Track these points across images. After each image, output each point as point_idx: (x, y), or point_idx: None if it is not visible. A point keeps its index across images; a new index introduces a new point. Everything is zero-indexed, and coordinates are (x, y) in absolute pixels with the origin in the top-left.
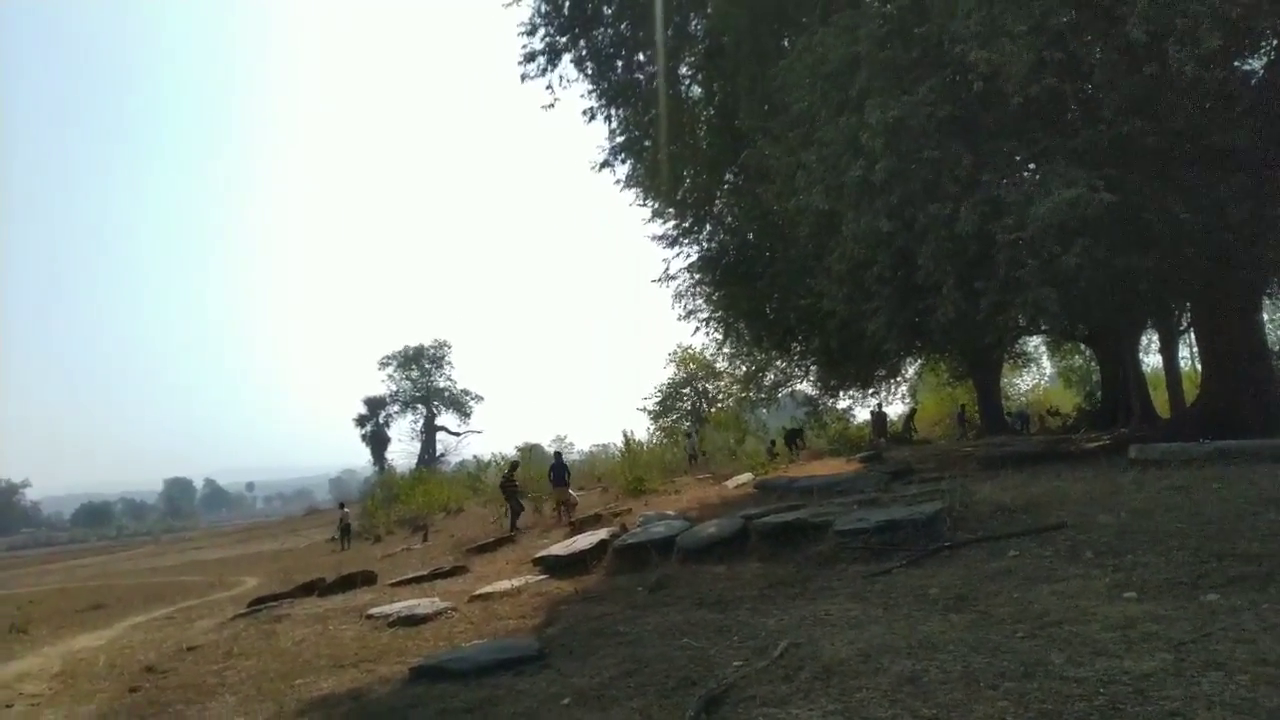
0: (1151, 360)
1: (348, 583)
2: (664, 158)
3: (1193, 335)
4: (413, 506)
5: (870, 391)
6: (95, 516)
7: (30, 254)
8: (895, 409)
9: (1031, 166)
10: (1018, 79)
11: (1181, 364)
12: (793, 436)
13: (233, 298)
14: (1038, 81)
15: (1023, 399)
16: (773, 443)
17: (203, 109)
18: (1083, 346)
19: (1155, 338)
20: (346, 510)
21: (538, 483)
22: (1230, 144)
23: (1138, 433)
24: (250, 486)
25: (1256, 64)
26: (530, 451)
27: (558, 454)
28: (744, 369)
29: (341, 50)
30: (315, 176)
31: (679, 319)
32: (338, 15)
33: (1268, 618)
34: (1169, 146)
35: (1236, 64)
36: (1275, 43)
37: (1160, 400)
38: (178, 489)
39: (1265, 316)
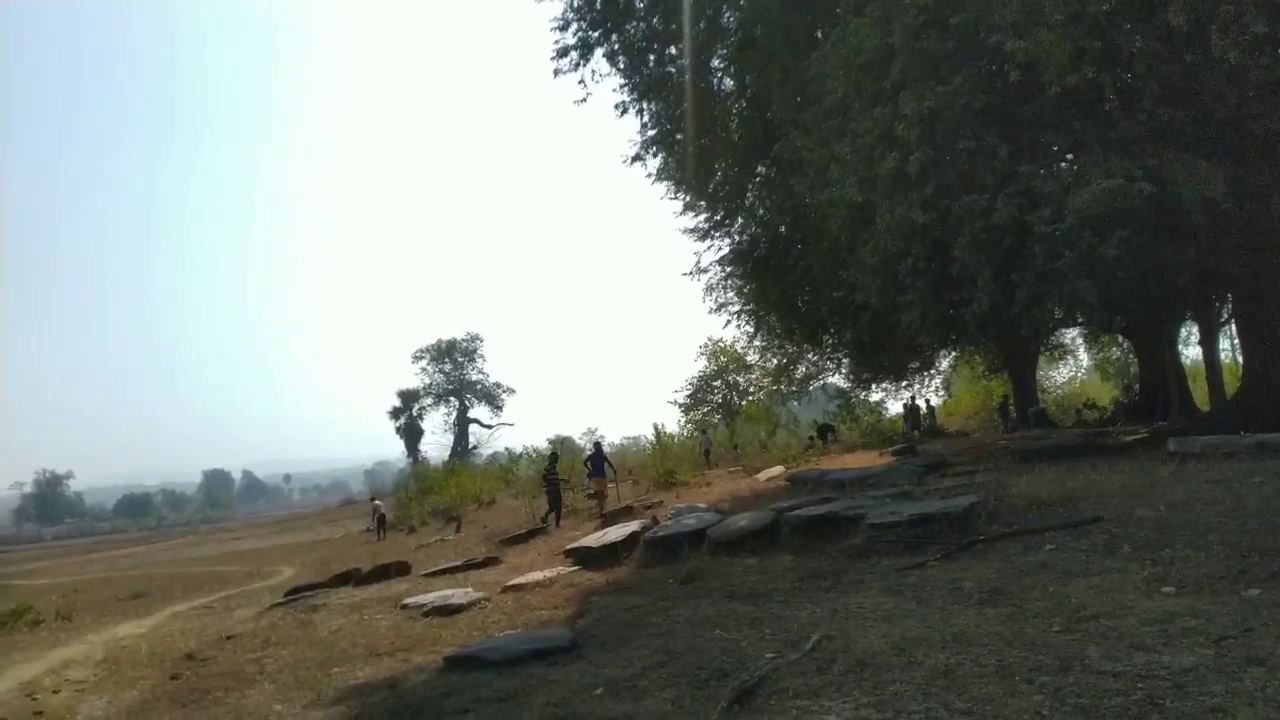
0: (1191, 352)
1: (383, 573)
2: (695, 151)
3: (1233, 327)
4: (446, 498)
5: (903, 384)
6: (136, 507)
7: (72, 254)
8: (931, 401)
9: (1069, 157)
10: (1055, 69)
11: (1222, 356)
12: (825, 431)
13: (270, 292)
14: (1076, 71)
15: (1043, 397)
16: (811, 437)
17: (237, 101)
18: (1120, 339)
19: (1195, 329)
20: (379, 503)
21: (576, 473)
22: (1274, 132)
23: (1176, 426)
24: (287, 478)
25: None
26: (562, 444)
27: (597, 444)
28: (775, 362)
29: (377, 44)
30: (351, 171)
31: (710, 312)
32: (373, 8)
33: None
34: (1210, 135)
35: None
36: None
37: (1200, 393)
38: (216, 480)
39: None
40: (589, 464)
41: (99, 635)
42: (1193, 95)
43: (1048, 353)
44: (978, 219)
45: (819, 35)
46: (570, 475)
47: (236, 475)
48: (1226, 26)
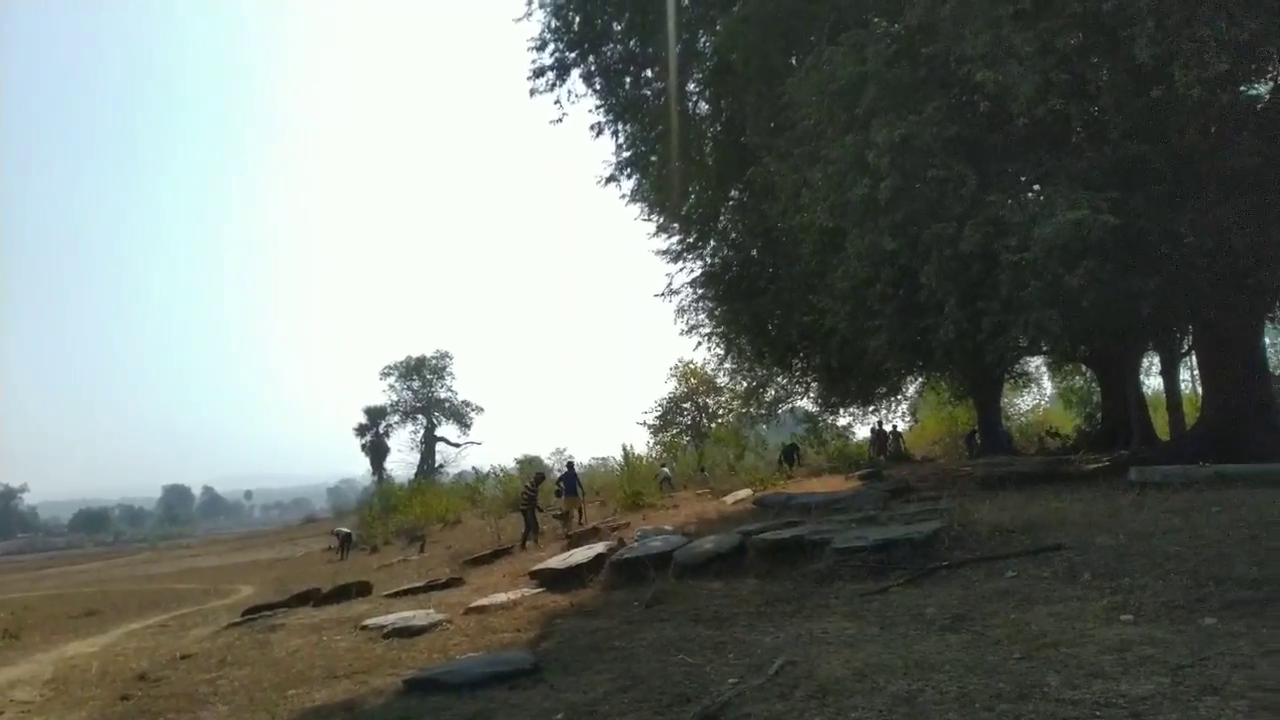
0: (1152, 382)
1: (343, 593)
2: (670, 173)
3: (1194, 358)
4: (410, 517)
5: (870, 409)
6: (93, 522)
7: (29, 259)
8: (898, 426)
9: (1036, 187)
10: (1024, 100)
11: (1183, 386)
12: (790, 452)
13: (235, 306)
14: (1044, 103)
15: (1007, 423)
16: (780, 459)
17: (205, 117)
18: (1084, 367)
19: (1157, 360)
20: (345, 530)
21: (545, 495)
22: (1236, 167)
23: (1138, 455)
24: (248, 495)
25: (1263, 88)
26: (530, 464)
27: (569, 464)
28: (745, 385)
29: (347, 61)
30: (319, 185)
31: (681, 334)
32: (341, 26)
33: (1265, 643)
34: (1174, 169)
35: (1243, 88)
36: None
37: (1160, 422)
38: (176, 496)
39: (1267, 340)
40: (561, 483)
41: (48, 654)
42: (1157, 130)
43: (1012, 380)
44: (946, 247)
45: (794, 62)
46: (541, 500)
47: (197, 491)
48: (1190, 63)
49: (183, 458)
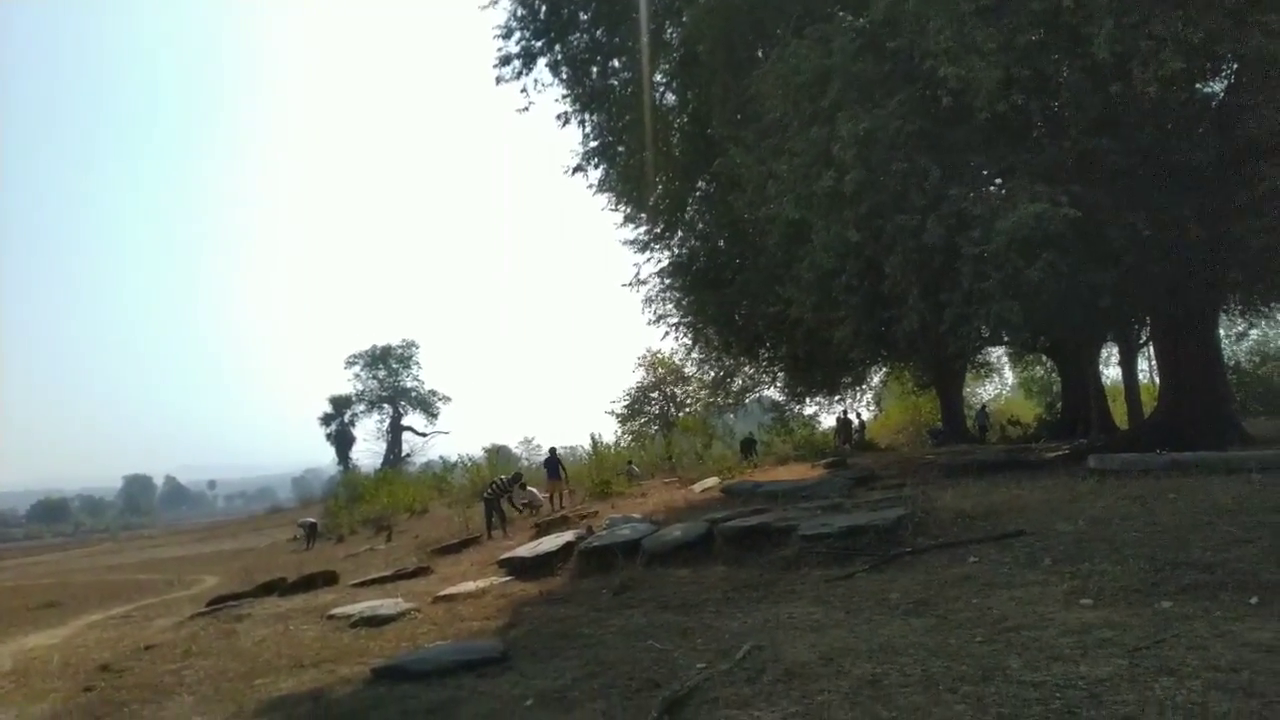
0: (1111, 372)
1: (309, 583)
2: (637, 164)
3: (1151, 349)
4: (377, 507)
5: (836, 398)
6: (52, 513)
7: None
8: (862, 415)
9: (998, 181)
10: (986, 95)
11: (1140, 377)
12: (748, 446)
13: (198, 293)
14: (1005, 98)
15: (968, 413)
16: (740, 451)
17: (171, 107)
18: (1044, 358)
19: (1115, 351)
20: (311, 520)
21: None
22: (1190, 164)
23: (1096, 443)
24: (212, 484)
25: (1217, 87)
26: (497, 453)
27: (552, 449)
28: (712, 374)
29: (313, 50)
30: (285, 174)
31: (649, 323)
32: (311, 17)
33: (1219, 625)
34: (1132, 165)
35: (1198, 86)
36: (1235, 67)
37: (1119, 412)
38: (137, 486)
39: (1222, 332)
40: (545, 467)
41: (7, 646)
42: (1115, 126)
43: (974, 370)
44: (909, 239)
45: (760, 54)
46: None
47: (159, 481)
48: (1147, 62)
49: (144, 447)
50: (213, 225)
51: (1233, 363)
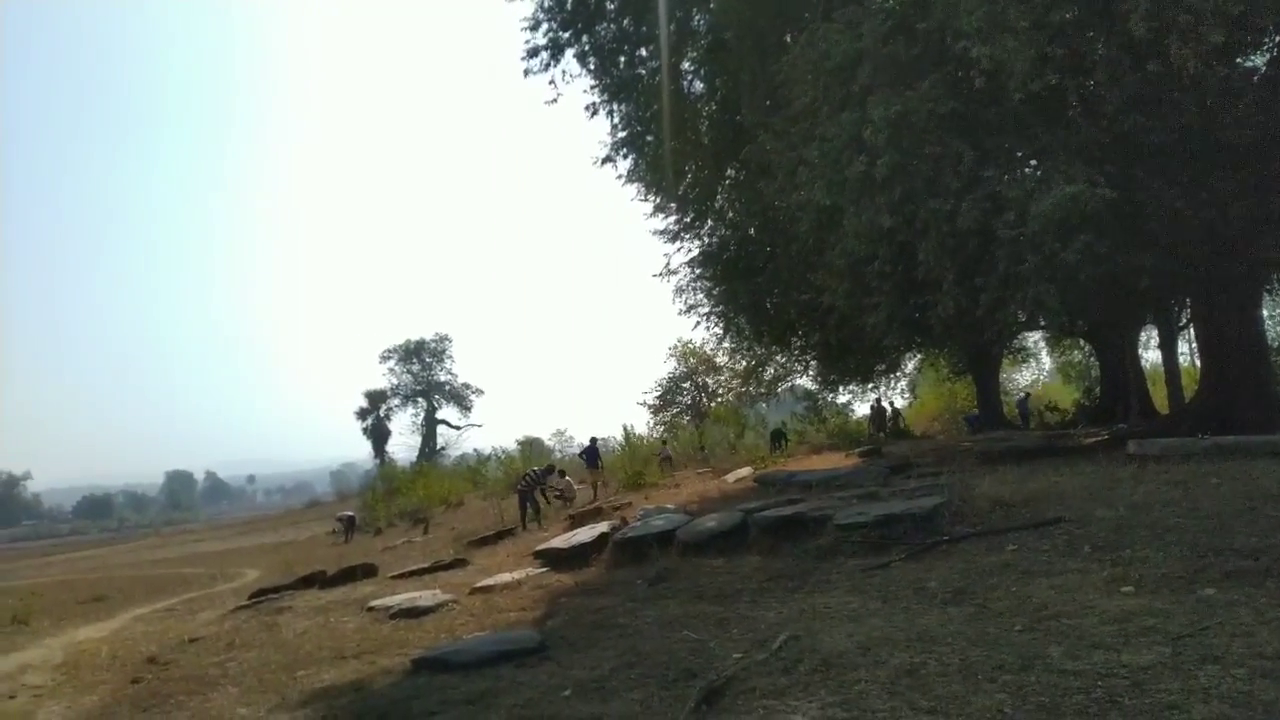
0: (1151, 356)
1: (349, 575)
2: (665, 153)
3: (1192, 331)
4: (413, 500)
5: (870, 386)
6: (97, 509)
7: (31, 247)
8: (896, 403)
9: (1033, 163)
10: (1020, 75)
11: (1181, 360)
12: (777, 437)
13: (235, 291)
14: (1039, 78)
15: (1024, 390)
16: (770, 442)
17: (205, 104)
18: (1082, 342)
19: (1155, 334)
20: (349, 514)
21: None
22: (1232, 140)
23: (1136, 428)
24: (251, 479)
25: (1259, 60)
26: (530, 445)
27: (593, 439)
28: (744, 364)
29: (342, 44)
30: (317, 170)
31: (680, 313)
32: (338, 10)
33: (1264, 612)
34: (1171, 143)
35: (1239, 60)
36: (1277, 39)
37: (1159, 396)
38: (178, 481)
39: (1265, 313)
40: (584, 456)
41: (57, 639)
42: (1153, 103)
43: (1011, 355)
44: (943, 223)
45: (788, 40)
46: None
47: (199, 476)
48: (1185, 36)
49: (185, 443)
50: (247, 224)
51: (1277, 344)
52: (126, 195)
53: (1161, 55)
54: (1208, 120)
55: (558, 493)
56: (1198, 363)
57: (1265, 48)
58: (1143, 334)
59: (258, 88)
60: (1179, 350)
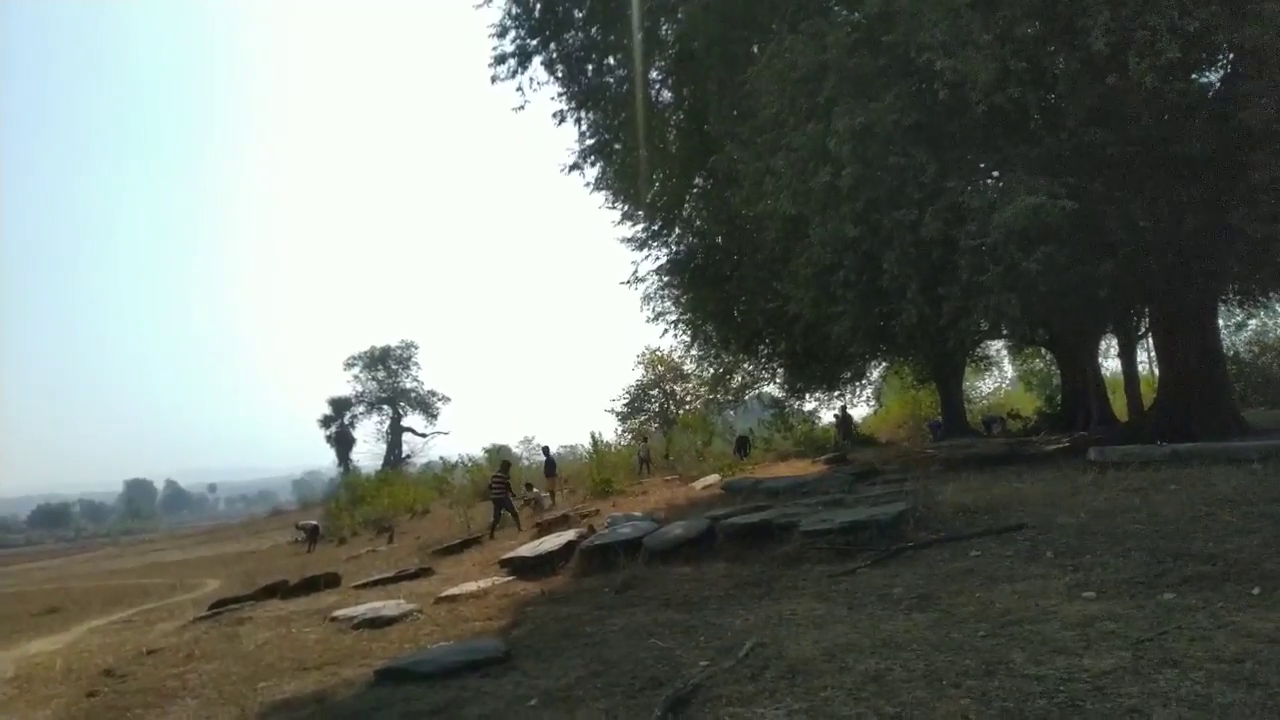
0: (1111, 365)
1: (311, 585)
2: (633, 161)
3: (1151, 340)
4: (378, 508)
5: (836, 394)
6: (52, 518)
7: None
8: (861, 411)
9: (995, 174)
10: (982, 88)
11: (1140, 368)
12: (741, 444)
13: (197, 297)
14: (1002, 90)
15: (985, 402)
16: (734, 450)
17: (169, 108)
18: (1043, 351)
19: (1114, 343)
20: (312, 522)
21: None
22: (1188, 154)
23: (1096, 436)
24: (212, 488)
25: (1214, 76)
26: (497, 452)
27: (546, 449)
28: (711, 371)
29: (311, 51)
30: (283, 176)
31: (647, 321)
32: (310, 18)
33: (1222, 616)
34: (1130, 156)
35: (1195, 76)
36: (1232, 56)
37: (1119, 404)
38: (138, 490)
39: (1221, 323)
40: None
41: (9, 652)
42: (1113, 117)
43: (974, 364)
44: (906, 233)
45: (755, 50)
46: (515, 484)
47: (159, 485)
48: (1143, 52)
49: (144, 451)
50: (211, 228)
51: (1232, 353)
52: (89, 205)
53: (1121, 70)
54: (1165, 134)
55: (530, 498)
56: (1156, 371)
57: (1219, 64)
58: (1103, 343)
59: (225, 92)
60: (1138, 359)
